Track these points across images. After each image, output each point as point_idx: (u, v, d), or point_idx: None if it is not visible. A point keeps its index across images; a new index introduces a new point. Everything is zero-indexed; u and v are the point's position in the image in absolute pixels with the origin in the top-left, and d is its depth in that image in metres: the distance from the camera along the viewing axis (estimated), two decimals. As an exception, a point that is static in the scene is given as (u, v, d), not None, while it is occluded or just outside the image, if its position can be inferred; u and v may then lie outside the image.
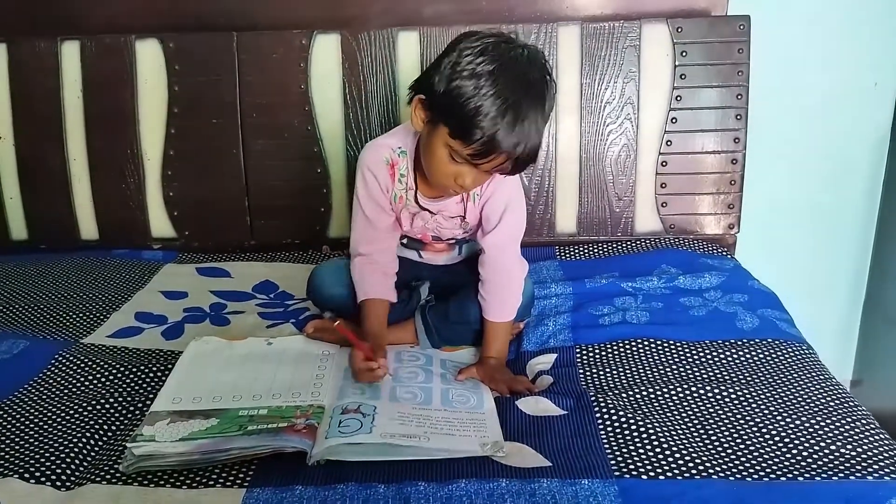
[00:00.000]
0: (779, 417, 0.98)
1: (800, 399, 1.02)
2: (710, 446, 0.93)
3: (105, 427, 1.00)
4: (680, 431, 0.96)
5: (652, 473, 0.87)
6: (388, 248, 1.19)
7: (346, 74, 1.58)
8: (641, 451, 0.91)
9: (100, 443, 0.97)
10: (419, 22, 1.57)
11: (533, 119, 0.97)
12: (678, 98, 1.57)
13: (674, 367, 1.12)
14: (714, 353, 1.15)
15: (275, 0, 1.61)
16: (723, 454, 0.91)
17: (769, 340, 1.18)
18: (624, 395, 1.04)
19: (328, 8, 1.60)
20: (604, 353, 1.17)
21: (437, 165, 1.03)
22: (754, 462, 0.89)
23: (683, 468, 0.88)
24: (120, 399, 1.06)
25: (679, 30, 1.55)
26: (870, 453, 0.90)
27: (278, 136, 1.61)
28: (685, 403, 1.02)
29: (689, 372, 1.11)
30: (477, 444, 0.92)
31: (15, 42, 1.62)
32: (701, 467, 0.88)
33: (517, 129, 0.96)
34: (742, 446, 0.92)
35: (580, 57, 1.56)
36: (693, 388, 1.05)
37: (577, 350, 1.19)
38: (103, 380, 1.12)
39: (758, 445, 0.92)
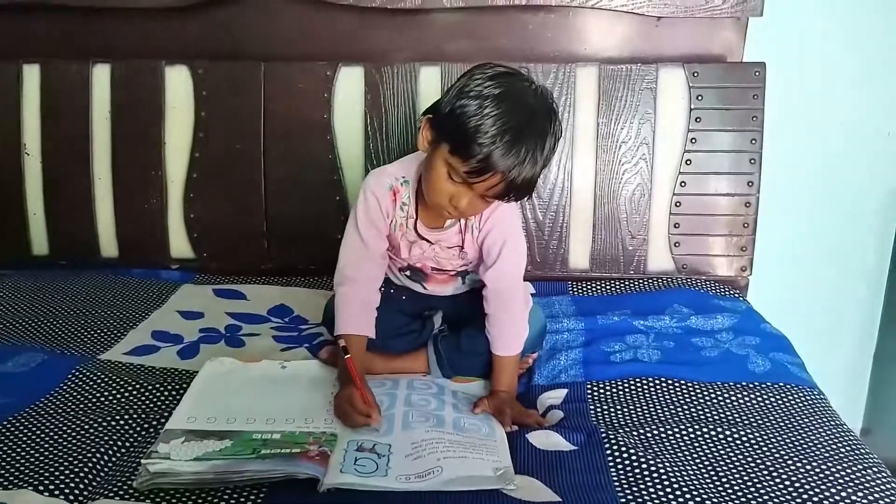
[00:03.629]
0: (789, 462, 0.97)
1: (811, 444, 1.02)
2: (720, 488, 0.93)
3: (119, 443, 1.01)
4: (690, 472, 0.96)
5: (662, 513, 0.88)
6: (375, 278, 1.17)
7: (368, 106, 1.62)
8: (651, 490, 0.91)
9: (114, 458, 0.98)
10: (440, 58, 1.61)
11: (531, 147, 0.99)
12: (693, 140, 1.59)
13: (685, 407, 1.13)
14: (725, 395, 1.16)
15: (302, 33, 1.65)
16: (732, 497, 0.91)
17: (780, 384, 1.18)
18: (634, 433, 1.04)
19: (353, 42, 1.64)
20: (615, 391, 1.17)
21: (435, 183, 1.05)
22: (764, 506, 0.89)
23: (693, 509, 0.88)
24: (135, 416, 1.08)
25: (695, 74, 1.58)
26: (880, 501, 0.89)
27: (300, 163, 1.64)
28: (696, 444, 1.02)
29: (701, 413, 1.11)
30: (490, 468, 0.92)
31: (48, 63, 1.66)
32: (711, 509, 0.88)
33: (514, 151, 0.98)
34: (752, 489, 0.92)
35: (597, 97, 1.59)
36: (704, 430, 1.05)
37: (588, 386, 1.19)
38: (119, 396, 1.14)
39: (768, 489, 0.92)
